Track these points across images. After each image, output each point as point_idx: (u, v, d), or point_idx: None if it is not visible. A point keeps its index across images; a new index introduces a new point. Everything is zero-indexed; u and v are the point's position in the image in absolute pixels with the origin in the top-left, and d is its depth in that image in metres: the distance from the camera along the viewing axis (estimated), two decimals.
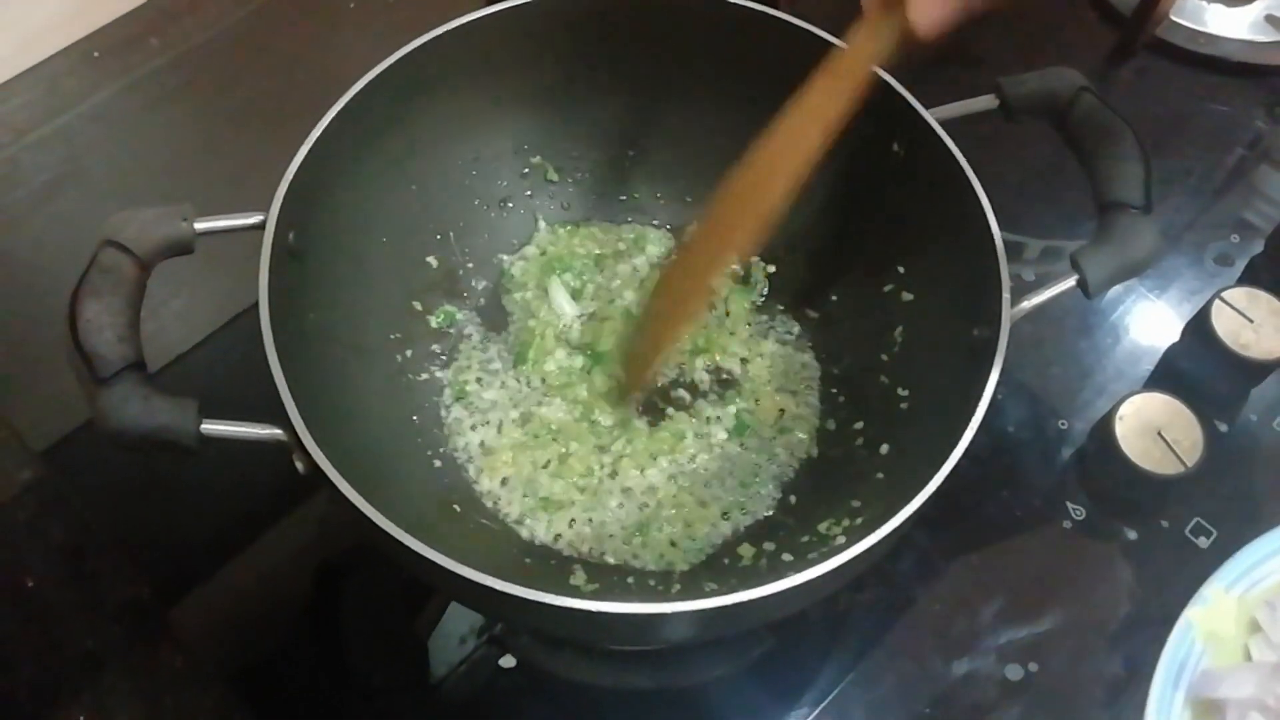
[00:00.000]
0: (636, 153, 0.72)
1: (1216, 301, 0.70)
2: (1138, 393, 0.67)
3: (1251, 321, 0.70)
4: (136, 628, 0.61)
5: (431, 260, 0.68)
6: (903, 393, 0.62)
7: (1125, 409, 0.67)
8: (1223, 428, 0.70)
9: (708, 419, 0.66)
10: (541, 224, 0.72)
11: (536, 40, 0.65)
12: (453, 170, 0.68)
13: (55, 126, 0.80)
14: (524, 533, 0.62)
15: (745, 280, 0.71)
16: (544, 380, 0.67)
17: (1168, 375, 0.72)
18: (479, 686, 0.61)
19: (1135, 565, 0.66)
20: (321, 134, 0.57)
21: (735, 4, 0.63)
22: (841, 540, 0.56)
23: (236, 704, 0.59)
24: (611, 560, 0.61)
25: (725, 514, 0.63)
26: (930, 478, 0.49)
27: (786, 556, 0.59)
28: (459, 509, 0.61)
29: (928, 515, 0.49)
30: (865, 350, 0.65)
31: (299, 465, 0.49)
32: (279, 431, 0.49)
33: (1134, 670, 0.62)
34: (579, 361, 0.67)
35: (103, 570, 0.63)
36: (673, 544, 0.61)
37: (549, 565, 0.60)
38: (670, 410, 0.66)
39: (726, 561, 0.61)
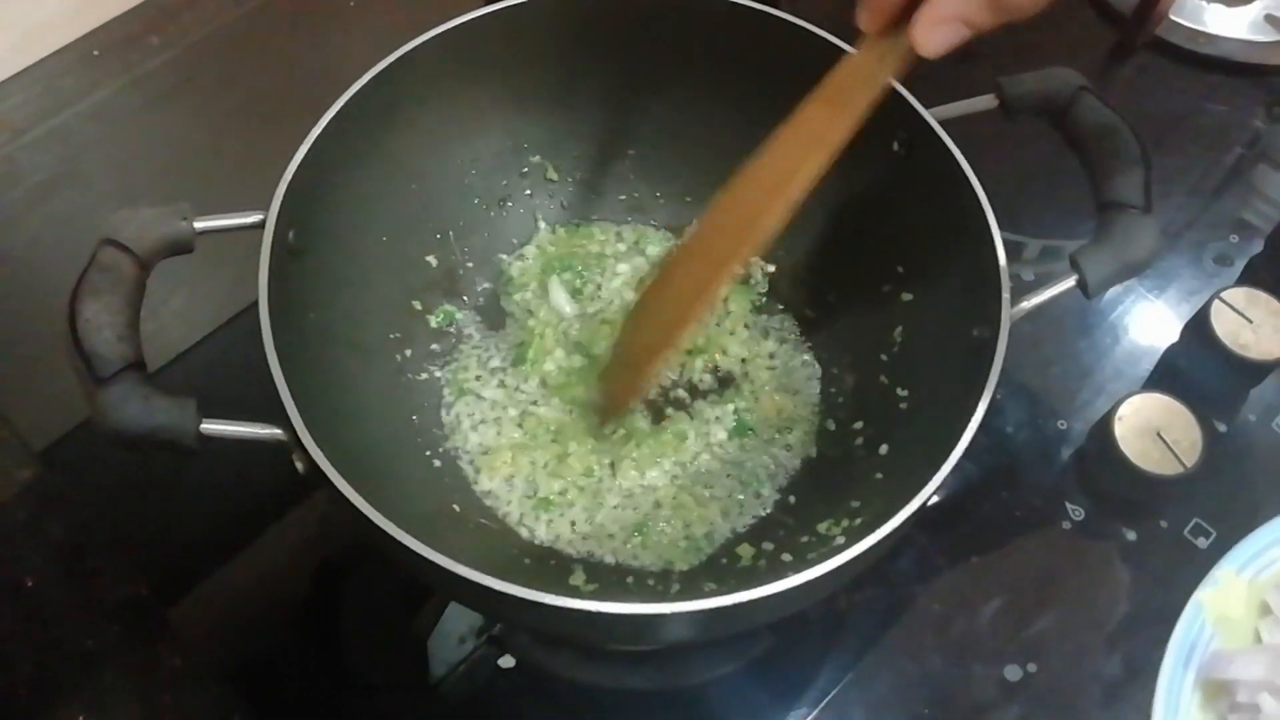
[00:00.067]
0: (636, 152, 0.72)
1: (1216, 302, 0.70)
2: (1137, 393, 0.67)
3: (1251, 322, 0.70)
4: (135, 626, 0.61)
5: (431, 259, 0.68)
6: (902, 393, 0.62)
7: (1124, 409, 0.67)
8: (1222, 428, 0.70)
9: (707, 419, 0.66)
10: (541, 223, 0.72)
11: (536, 39, 0.65)
12: (452, 169, 0.68)
13: (54, 125, 0.79)
14: (523, 533, 0.62)
15: (745, 280, 0.71)
16: (543, 380, 0.67)
17: (1167, 375, 0.72)
18: (478, 686, 0.61)
19: (1134, 565, 0.66)
20: (321, 133, 0.57)
21: (736, 3, 0.63)
22: (841, 540, 0.56)
23: (235, 703, 0.59)
24: (611, 560, 0.61)
25: (724, 514, 0.63)
26: (929, 478, 0.49)
27: (786, 557, 0.59)
28: (458, 509, 0.61)
29: (927, 515, 0.49)
30: (865, 350, 0.65)
31: (298, 465, 0.49)
32: (278, 431, 0.49)
33: (1133, 671, 0.62)
34: (578, 361, 0.67)
35: (101, 569, 0.62)
36: (672, 544, 0.62)
37: (548, 565, 0.60)
38: (669, 410, 0.66)
39: (726, 562, 0.61)
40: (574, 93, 0.69)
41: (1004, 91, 0.61)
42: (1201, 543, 0.66)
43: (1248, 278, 0.77)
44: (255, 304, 0.51)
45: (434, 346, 0.67)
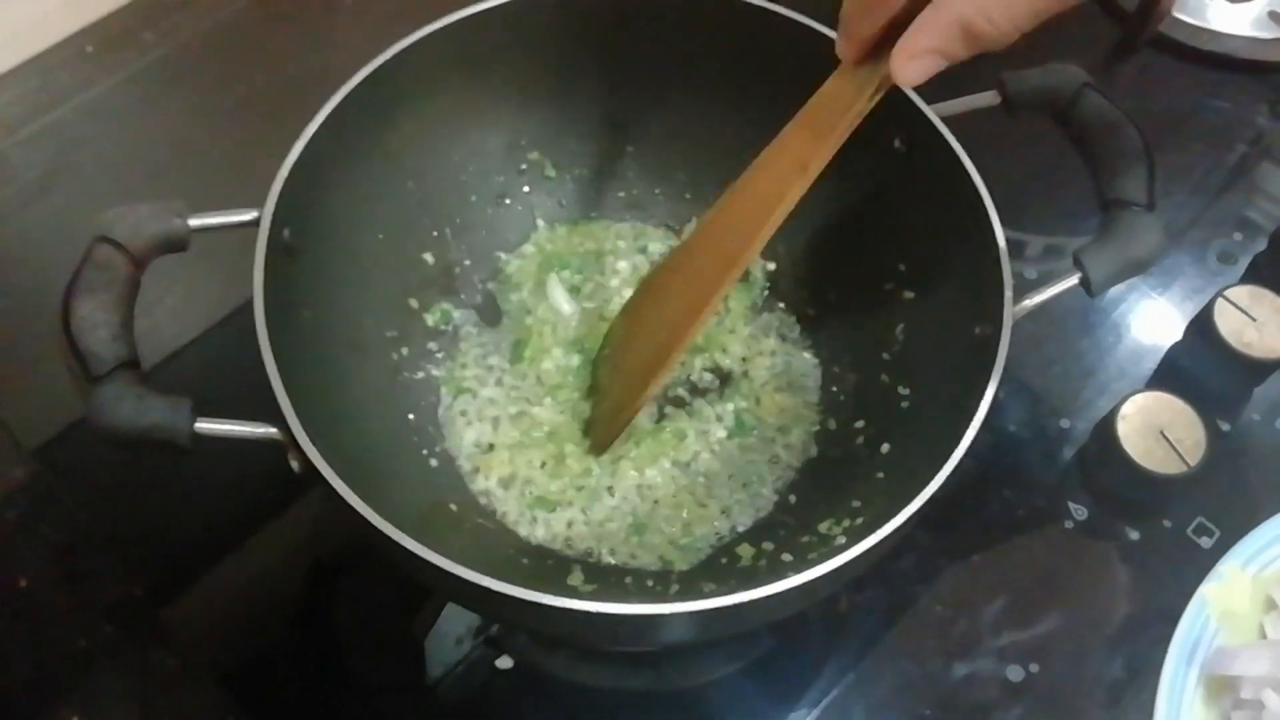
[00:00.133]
0: (636, 149, 0.71)
1: (1219, 300, 0.70)
2: (1140, 392, 0.67)
3: (1255, 320, 0.69)
4: (129, 627, 0.60)
5: (428, 257, 0.68)
6: (904, 391, 0.62)
7: (1127, 408, 0.66)
8: (1225, 427, 0.70)
9: (707, 418, 0.65)
10: (539, 221, 0.72)
11: (534, 34, 0.65)
12: (449, 166, 0.68)
13: (47, 122, 0.79)
14: (521, 532, 0.61)
15: (745, 278, 0.71)
16: (541, 379, 0.66)
17: (1170, 374, 0.72)
18: (475, 688, 0.60)
19: (1137, 565, 0.65)
20: (317, 130, 0.56)
21: (741, 2, 0.63)
22: (842, 540, 0.56)
23: (229, 704, 0.59)
24: (609, 560, 0.61)
25: (724, 513, 0.62)
26: (931, 478, 0.48)
27: (786, 557, 0.58)
28: (455, 508, 0.61)
29: (928, 515, 0.49)
30: (866, 349, 0.65)
31: (294, 464, 0.49)
32: (274, 430, 0.49)
33: (1136, 671, 0.61)
34: (576, 360, 0.67)
35: (95, 569, 0.62)
36: (671, 544, 0.61)
37: (546, 565, 0.60)
38: (669, 409, 0.66)
39: (725, 562, 0.60)
40: (573, 89, 0.68)
41: (1006, 88, 0.60)
42: (1205, 542, 0.65)
43: (1251, 276, 0.76)
44: (250, 302, 0.51)
45: (431, 345, 0.67)
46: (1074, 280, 0.55)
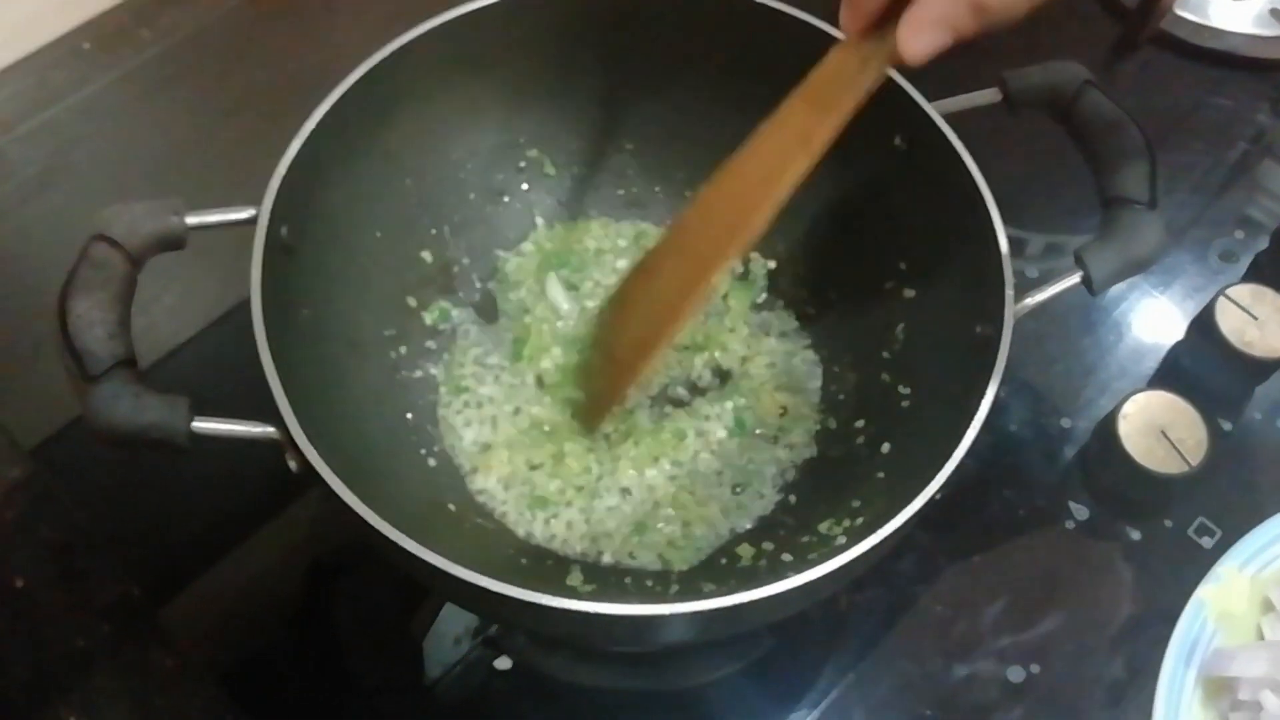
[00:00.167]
0: (635, 146, 0.71)
1: (1221, 299, 0.70)
2: (1141, 391, 0.67)
3: (1256, 319, 0.69)
4: (126, 627, 0.60)
5: (426, 255, 0.68)
6: (904, 391, 0.62)
7: (1129, 407, 0.66)
8: (1227, 426, 0.70)
9: (706, 417, 0.65)
10: (538, 219, 0.72)
11: (533, 32, 0.64)
12: (448, 164, 0.67)
13: (44, 119, 0.79)
14: (520, 532, 0.61)
15: (745, 277, 0.70)
16: (540, 378, 0.66)
17: (1171, 373, 0.72)
18: (474, 688, 0.60)
19: (1138, 565, 0.65)
20: (315, 127, 0.56)
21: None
22: (842, 540, 0.56)
23: (227, 704, 0.59)
24: (609, 560, 0.61)
25: (724, 513, 0.62)
26: (932, 477, 0.48)
27: (786, 557, 0.58)
28: (454, 508, 0.61)
29: (929, 515, 0.48)
30: (866, 348, 0.65)
31: (292, 464, 0.49)
32: (271, 429, 0.48)
33: (1136, 671, 0.61)
34: (575, 359, 0.66)
35: (92, 569, 0.62)
36: (671, 544, 0.61)
37: (545, 565, 0.60)
38: (669, 408, 0.65)
39: (725, 562, 0.60)
40: (571, 86, 0.68)
41: (1008, 85, 0.60)
42: (1206, 542, 0.65)
43: (1253, 274, 0.76)
44: (248, 300, 0.51)
45: (429, 344, 0.67)
46: (1075, 279, 0.55)
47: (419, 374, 0.66)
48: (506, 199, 0.71)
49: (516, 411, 0.65)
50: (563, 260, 0.70)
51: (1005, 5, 0.43)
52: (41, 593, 0.61)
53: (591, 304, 0.69)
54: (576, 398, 0.64)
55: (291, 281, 0.55)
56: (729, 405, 0.65)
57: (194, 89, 0.82)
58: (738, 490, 0.63)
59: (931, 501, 0.48)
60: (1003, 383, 0.51)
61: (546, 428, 0.64)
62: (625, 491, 0.62)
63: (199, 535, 0.65)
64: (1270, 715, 0.53)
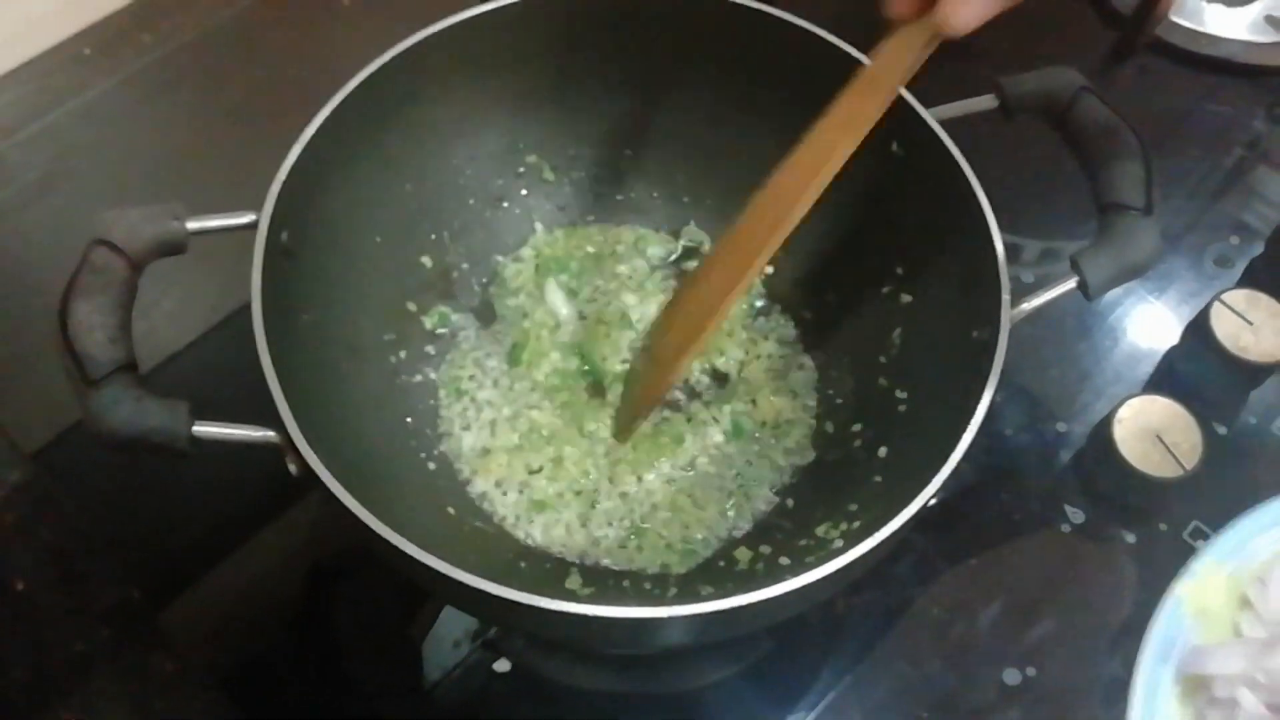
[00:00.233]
0: (634, 152, 0.71)
1: (1216, 304, 0.70)
2: (1136, 395, 0.67)
3: (1251, 324, 0.69)
4: (127, 630, 0.60)
5: (426, 260, 0.68)
6: (901, 395, 0.62)
7: (1124, 412, 0.66)
8: (1222, 430, 0.70)
9: (704, 421, 0.65)
10: (538, 224, 0.72)
11: (533, 38, 0.65)
12: (448, 169, 0.68)
13: (45, 124, 0.79)
14: (519, 535, 0.61)
15: None
16: (538, 383, 0.66)
17: (1167, 378, 0.72)
18: (473, 691, 0.60)
19: (1134, 568, 0.65)
20: (315, 132, 0.56)
21: (735, 3, 0.63)
22: (839, 544, 0.56)
23: (227, 707, 0.59)
24: (607, 563, 0.61)
25: (722, 517, 0.62)
26: (928, 481, 0.48)
27: (784, 560, 0.59)
28: (453, 512, 0.61)
29: (925, 518, 0.49)
30: (863, 352, 0.65)
31: (292, 467, 0.49)
32: (271, 433, 0.49)
33: (1132, 673, 0.61)
34: (574, 364, 0.67)
35: (93, 572, 0.62)
36: (669, 547, 0.61)
37: (544, 569, 0.60)
38: (667, 413, 0.66)
39: (723, 565, 0.60)
40: (571, 92, 0.68)
41: (1004, 91, 0.60)
42: (1201, 545, 0.65)
43: (1248, 280, 0.76)
44: (248, 305, 0.51)
45: (429, 348, 0.67)
46: (1071, 284, 0.55)
47: (418, 378, 0.66)
48: (506, 204, 0.71)
49: (516, 416, 0.65)
50: (562, 265, 0.70)
51: None
52: (42, 596, 0.61)
53: (590, 309, 0.69)
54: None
55: (292, 286, 0.55)
56: (727, 409, 0.66)
57: (194, 94, 0.82)
58: (735, 494, 0.63)
59: (928, 505, 0.48)
60: (999, 387, 0.51)
61: (545, 432, 0.64)
62: (624, 495, 0.63)
63: (199, 539, 0.65)
64: (1246, 712, 0.53)
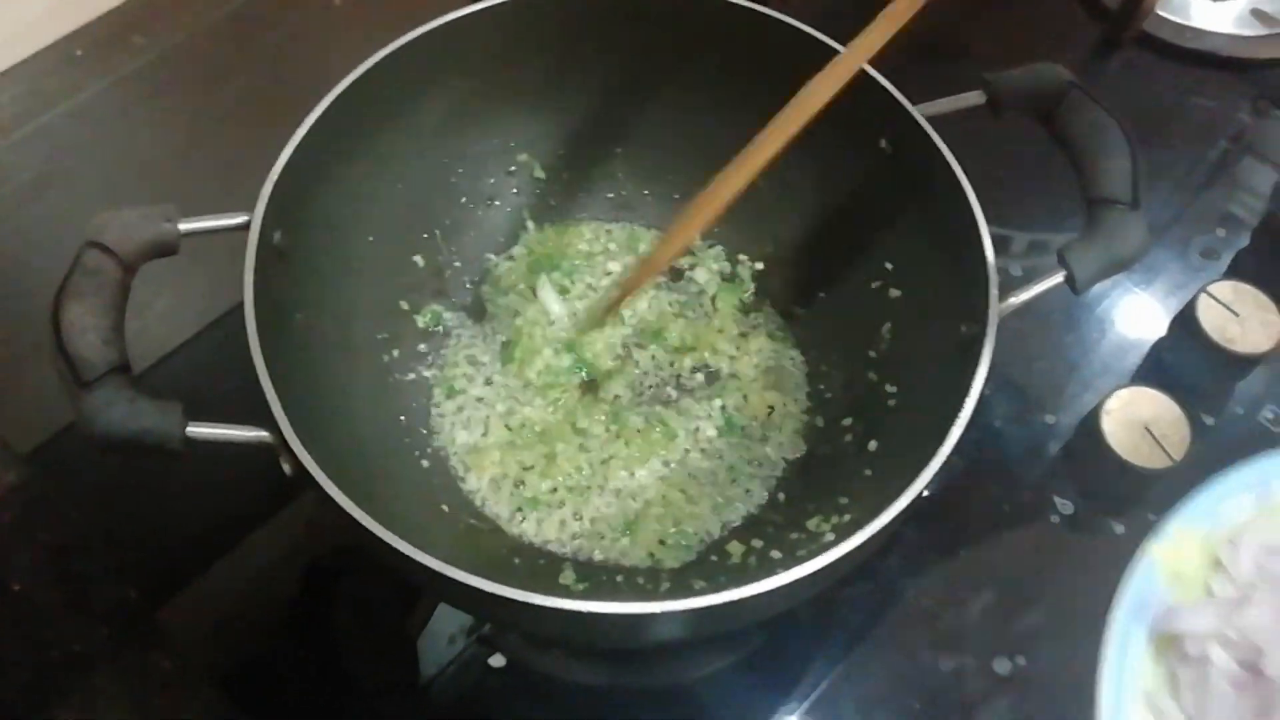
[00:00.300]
0: (624, 150, 0.72)
1: (1202, 296, 0.70)
2: (1124, 387, 0.68)
3: (1237, 315, 0.70)
4: (124, 630, 0.60)
5: (418, 259, 0.68)
6: (891, 389, 0.62)
7: (1112, 403, 0.67)
8: (1209, 421, 0.70)
9: (696, 417, 0.66)
10: (529, 223, 0.72)
11: (522, 38, 0.65)
12: (439, 168, 0.68)
13: (37, 126, 0.79)
14: (513, 532, 0.62)
15: (733, 279, 0.71)
16: (531, 380, 0.66)
17: (1154, 369, 0.73)
18: (468, 686, 0.61)
19: (1123, 559, 0.66)
20: (306, 133, 0.57)
21: (725, 1, 0.63)
22: (830, 537, 0.57)
23: (226, 705, 0.59)
24: (600, 559, 0.61)
25: (714, 511, 0.63)
26: (918, 474, 0.49)
27: (775, 554, 0.59)
28: (447, 509, 0.61)
29: (916, 510, 0.49)
30: (853, 347, 0.65)
31: (285, 467, 0.49)
32: (265, 433, 0.49)
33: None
34: (566, 361, 0.67)
35: (90, 572, 0.62)
36: (662, 542, 0.61)
37: (538, 565, 0.60)
38: (659, 409, 0.66)
39: (715, 559, 0.61)
40: (561, 91, 0.68)
41: (991, 88, 0.61)
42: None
43: (1234, 271, 0.77)
44: (241, 305, 0.51)
45: (421, 346, 0.67)
46: (1059, 278, 0.56)
47: (411, 377, 0.66)
48: (497, 203, 0.71)
49: (509, 413, 0.65)
50: (554, 263, 0.71)
51: None
52: (39, 596, 0.61)
53: (582, 306, 0.69)
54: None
55: (284, 286, 0.55)
56: (718, 405, 0.66)
57: (187, 95, 0.82)
58: (727, 488, 0.64)
59: (918, 498, 0.49)
60: (988, 380, 0.52)
61: (538, 429, 0.65)
62: (616, 491, 0.63)
63: (196, 538, 0.65)
64: (1217, 668, 0.53)
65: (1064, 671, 0.62)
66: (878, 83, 0.60)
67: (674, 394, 0.67)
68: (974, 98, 0.61)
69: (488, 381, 0.67)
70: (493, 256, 0.71)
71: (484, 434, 0.64)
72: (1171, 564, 0.56)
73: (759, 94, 0.60)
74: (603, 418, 0.65)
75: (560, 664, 0.62)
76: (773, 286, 0.71)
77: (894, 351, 0.64)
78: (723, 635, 0.62)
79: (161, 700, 0.59)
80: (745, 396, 0.67)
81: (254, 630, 0.63)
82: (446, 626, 0.62)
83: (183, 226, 0.53)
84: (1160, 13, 0.87)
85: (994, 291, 0.54)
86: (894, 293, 0.64)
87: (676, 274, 0.72)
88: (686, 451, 0.64)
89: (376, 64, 0.59)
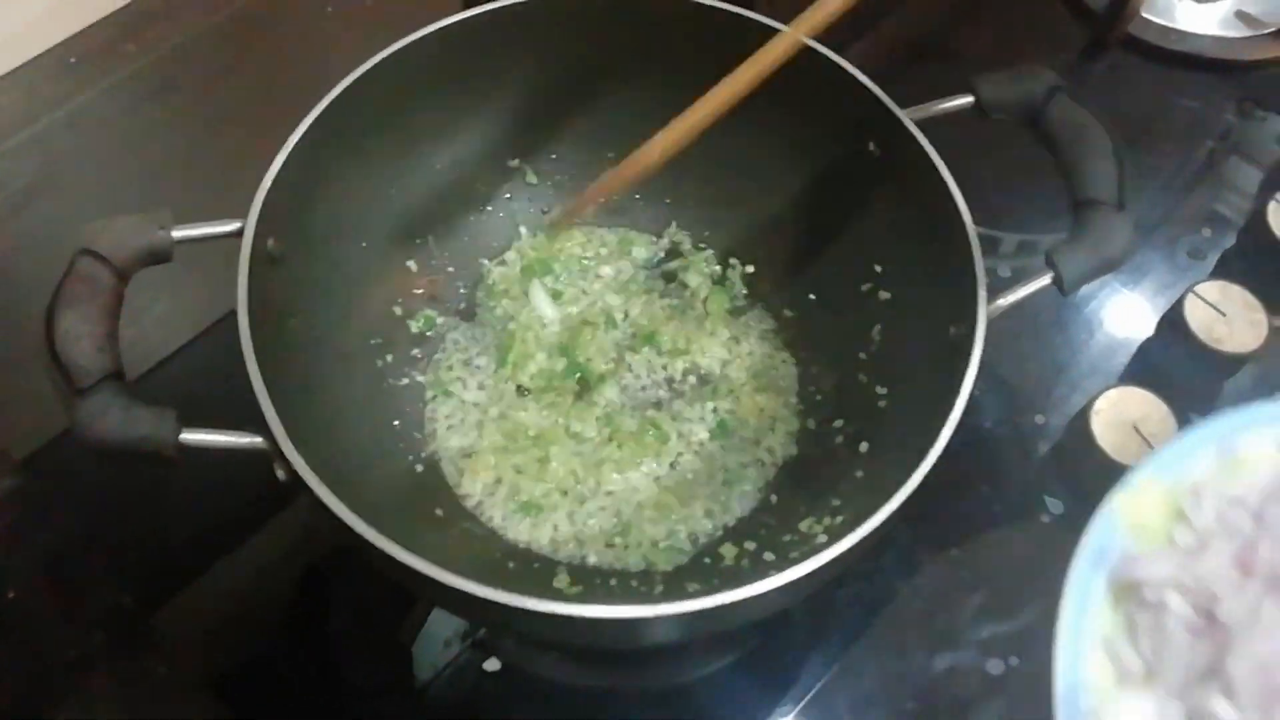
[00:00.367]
0: (616, 155, 0.71)
1: (1190, 296, 0.71)
2: (1113, 387, 0.68)
3: (1224, 315, 0.70)
4: (119, 635, 0.60)
5: (411, 264, 0.68)
6: (881, 391, 0.63)
7: (1101, 403, 0.67)
8: (1197, 421, 0.71)
9: (688, 420, 0.66)
10: (522, 228, 0.72)
11: (514, 43, 0.65)
12: (432, 174, 0.68)
13: (31, 133, 0.79)
14: (507, 536, 0.62)
15: (723, 281, 0.71)
16: (524, 384, 0.67)
17: (1142, 369, 0.73)
18: (464, 690, 0.61)
19: None
20: (299, 139, 0.57)
21: (713, 7, 0.64)
22: (823, 539, 0.57)
23: (221, 710, 0.59)
24: (594, 562, 0.61)
25: (707, 514, 0.63)
26: (909, 476, 0.49)
27: (768, 556, 0.59)
28: (441, 513, 0.61)
29: (907, 511, 0.49)
30: (844, 349, 0.66)
31: (279, 473, 0.49)
32: (259, 440, 0.49)
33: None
34: (560, 365, 0.67)
35: (85, 578, 0.62)
36: (655, 545, 0.62)
37: (532, 568, 0.60)
38: (651, 412, 0.66)
39: (709, 561, 0.61)
40: (552, 96, 0.69)
41: (978, 92, 0.61)
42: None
43: (1221, 271, 0.77)
44: (235, 312, 0.51)
45: (415, 351, 0.67)
46: (1046, 280, 0.56)
47: (405, 381, 0.66)
48: (490, 208, 0.72)
49: (502, 417, 0.66)
50: (546, 268, 0.71)
51: None
52: (34, 602, 0.61)
53: (575, 310, 0.70)
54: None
55: (278, 292, 0.56)
56: (710, 408, 0.66)
57: (180, 102, 0.82)
58: (720, 491, 0.64)
59: (910, 499, 0.49)
60: (977, 380, 0.52)
61: (532, 433, 0.65)
62: (610, 494, 0.63)
63: (191, 543, 0.65)
64: (1173, 614, 0.53)
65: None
66: (865, 87, 0.61)
67: (666, 397, 0.67)
68: (961, 101, 0.62)
69: (481, 386, 0.67)
70: (486, 261, 0.71)
71: (478, 438, 0.65)
72: (1135, 515, 0.55)
73: (751, 98, 0.61)
74: (596, 421, 0.65)
75: (556, 667, 0.62)
76: (764, 289, 0.71)
77: (884, 353, 0.64)
78: (717, 637, 0.62)
79: (157, 705, 0.59)
80: (737, 399, 0.67)
81: (249, 635, 0.63)
82: (442, 630, 0.62)
83: (176, 234, 0.53)
84: (1145, 15, 0.88)
85: (983, 293, 0.55)
86: (884, 295, 0.65)
87: (669, 277, 0.72)
88: (679, 454, 0.65)
89: (369, 71, 0.60)
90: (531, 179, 0.72)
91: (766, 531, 0.61)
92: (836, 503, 0.59)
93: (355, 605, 0.64)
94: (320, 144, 0.58)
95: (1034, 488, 0.69)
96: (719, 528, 0.63)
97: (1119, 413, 0.67)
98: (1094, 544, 0.53)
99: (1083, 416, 0.67)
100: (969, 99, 0.61)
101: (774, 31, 0.62)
